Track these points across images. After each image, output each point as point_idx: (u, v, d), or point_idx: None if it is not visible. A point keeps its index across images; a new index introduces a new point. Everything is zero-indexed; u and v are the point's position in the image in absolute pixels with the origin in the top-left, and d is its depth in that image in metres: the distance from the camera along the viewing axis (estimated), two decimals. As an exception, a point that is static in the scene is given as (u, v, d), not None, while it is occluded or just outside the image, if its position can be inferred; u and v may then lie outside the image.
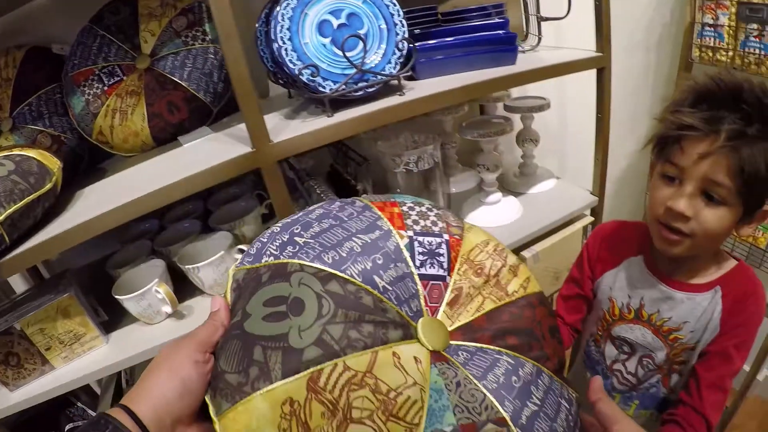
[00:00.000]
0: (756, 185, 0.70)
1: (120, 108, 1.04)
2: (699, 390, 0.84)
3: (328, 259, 0.52)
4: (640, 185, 1.97)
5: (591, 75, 1.19)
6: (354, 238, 0.55)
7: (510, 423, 0.49)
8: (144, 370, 0.48)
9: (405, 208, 0.62)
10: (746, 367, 1.79)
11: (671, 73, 1.67)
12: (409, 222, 0.60)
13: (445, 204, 1.30)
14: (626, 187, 2.11)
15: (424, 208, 0.64)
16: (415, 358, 0.49)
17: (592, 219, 1.36)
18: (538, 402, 0.53)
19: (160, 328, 1.00)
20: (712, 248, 0.84)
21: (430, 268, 0.57)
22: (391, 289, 0.53)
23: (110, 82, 1.05)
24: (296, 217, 0.60)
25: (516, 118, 1.32)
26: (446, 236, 0.60)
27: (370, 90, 0.92)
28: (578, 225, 1.33)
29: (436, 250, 0.58)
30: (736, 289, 0.83)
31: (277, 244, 0.55)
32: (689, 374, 0.87)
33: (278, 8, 0.88)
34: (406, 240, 0.57)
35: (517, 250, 1.26)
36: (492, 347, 0.55)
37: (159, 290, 0.94)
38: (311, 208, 0.61)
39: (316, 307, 0.47)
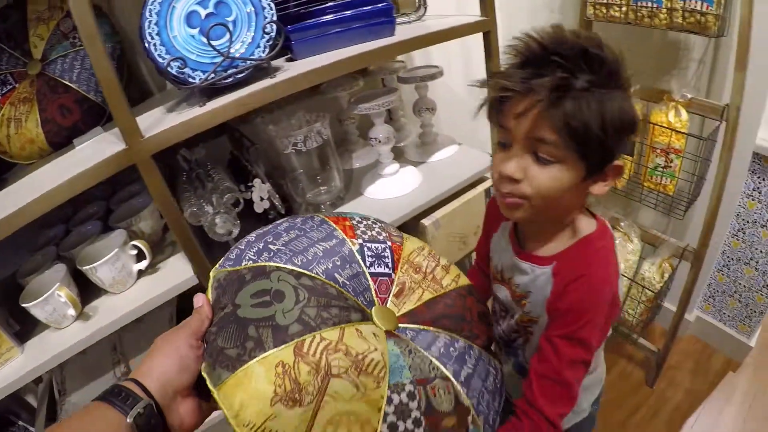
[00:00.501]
0: (589, 140, 0.67)
1: (14, 116, 1.06)
2: (531, 380, 0.80)
3: (298, 261, 0.69)
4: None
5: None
6: (316, 245, 0.73)
7: (452, 379, 0.68)
8: (145, 354, 0.63)
9: (354, 222, 0.81)
10: (672, 307, 1.90)
11: (573, 33, 1.72)
12: (358, 232, 0.79)
13: (341, 180, 1.35)
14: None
15: (370, 222, 0.84)
16: (373, 333, 0.65)
17: (493, 180, 1.41)
18: (471, 367, 0.73)
19: (70, 331, 1.03)
20: (556, 213, 0.79)
21: (378, 267, 0.76)
22: (348, 283, 0.70)
23: (3, 92, 1.06)
24: (267, 229, 0.76)
25: (411, 88, 1.37)
26: (389, 243, 0.81)
27: (240, 76, 0.95)
28: (479, 188, 1.39)
29: (382, 254, 0.78)
30: (567, 269, 0.79)
31: (254, 250, 0.71)
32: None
33: (147, 4, 0.90)
34: (357, 246, 0.76)
35: (417, 218, 1.32)
36: (431, 328, 0.75)
37: (60, 294, 0.97)
38: (279, 222, 0.79)
39: (294, 295, 0.63)
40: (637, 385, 2.02)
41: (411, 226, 1.38)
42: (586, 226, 0.82)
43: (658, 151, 1.50)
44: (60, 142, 1.08)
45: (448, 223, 1.35)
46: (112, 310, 1.04)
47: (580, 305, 0.76)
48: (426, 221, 1.31)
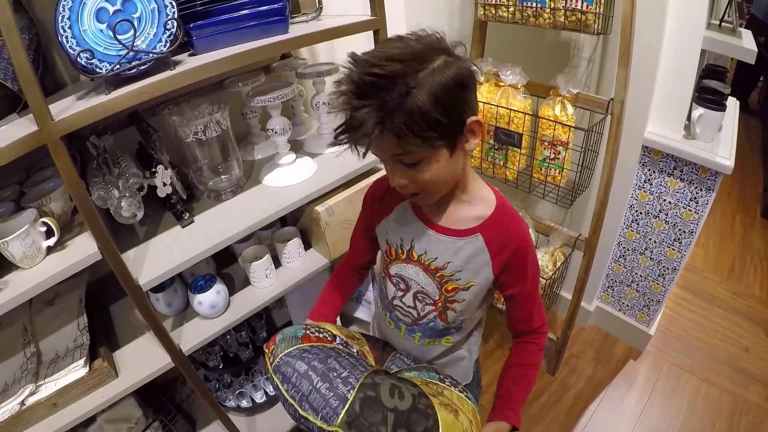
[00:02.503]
0: (432, 128, 0.85)
1: (-70, 103, 1.20)
2: (522, 318, 1.17)
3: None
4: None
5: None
6: None
7: None
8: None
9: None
10: (568, 296, 2.15)
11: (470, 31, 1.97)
12: None
13: (241, 169, 1.57)
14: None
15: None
16: None
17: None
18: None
19: None
20: (451, 185, 1.02)
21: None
22: None
23: None
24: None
25: (309, 83, 1.62)
26: None
27: (143, 68, 1.16)
28: (372, 178, 1.63)
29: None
30: (498, 235, 1.06)
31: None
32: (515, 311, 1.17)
33: (61, 0, 1.10)
34: None
35: (311, 205, 1.56)
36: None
37: None
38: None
39: None
40: (539, 374, 2.23)
41: (306, 212, 1.62)
42: (486, 193, 1.09)
43: (546, 143, 1.72)
44: None
45: (340, 210, 1.58)
46: (22, 284, 1.20)
47: (528, 256, 1.08)
48: (319, 207, 1.55)
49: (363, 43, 1.50)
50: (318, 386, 0.97)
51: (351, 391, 0.95)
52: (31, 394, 1.43)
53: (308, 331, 1.13)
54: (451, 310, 1.14)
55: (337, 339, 1.15)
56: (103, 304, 1.76)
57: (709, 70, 1.92)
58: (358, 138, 0.87)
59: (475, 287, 1.10)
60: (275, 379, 1.04)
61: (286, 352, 1.06)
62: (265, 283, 1.64)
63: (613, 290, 2.34)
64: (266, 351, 1.11)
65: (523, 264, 1.09)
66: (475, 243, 1.07)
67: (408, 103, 0.82)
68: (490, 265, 1.07)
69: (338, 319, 2.11)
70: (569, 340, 2.20)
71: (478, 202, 1.08)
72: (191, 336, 1.55)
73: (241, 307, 1.61)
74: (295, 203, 1.51)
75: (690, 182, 1.85)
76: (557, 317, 2.52)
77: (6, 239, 1.18)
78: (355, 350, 1.15)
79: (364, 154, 0.92)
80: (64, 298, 1.68)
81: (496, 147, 1.82)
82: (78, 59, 1.11)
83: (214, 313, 1.56)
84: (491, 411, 1.18)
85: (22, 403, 1.42)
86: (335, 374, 0.99)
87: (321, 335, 1.14)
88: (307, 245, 1.77)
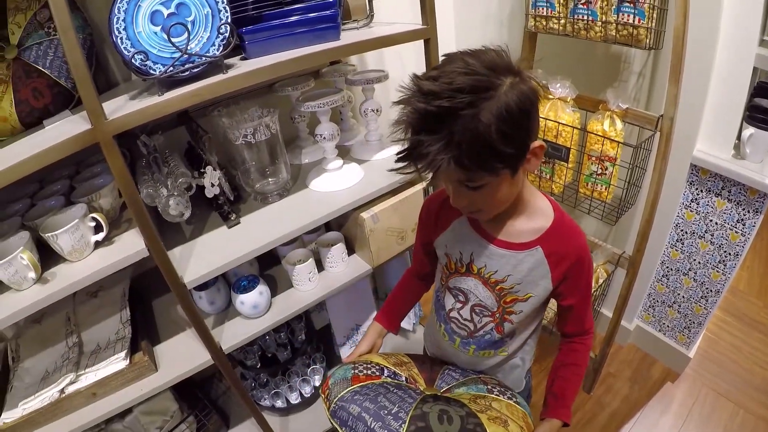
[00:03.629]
0: (497, 156, 0.83)
1: (-10, 96, 1.23)
2: (575, 319, 1.18)
3: None
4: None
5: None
6: None
7: None
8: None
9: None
10: (608, 313, 2.10)
11: (520, 43, 1.93)
12: None
13: (288, 172, 1.57)
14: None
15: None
16: None
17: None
18: None
19: (30, 293, 1.20)
20: (511, 203, 1.02)
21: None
22: None
23: (-19, 73, 1.23)
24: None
25: (358, 90, 1.60)
26: None
27: (196, 71, 1.17)
28: (418, 187, 1.61)
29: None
30: (558, 247, 1.05)
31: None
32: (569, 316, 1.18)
33: (116, 2, 1.10)
34: None
35: (357, 212, 1.55)
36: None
37: (23, 257, 1.15)
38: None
39: None
40: None
41: (351, 218, 1.60)
42: (544, 204, 1.08)
43: (593, 158, 1.67)
44: (31, 122, 1.26)
45: (386, 217, 1.57)
46: (69, 276, 1.22)
47: (585, 266, 1.09)
48: (365, 214, 1.53)
49: (413, 51, 1.48)
50: (372, 426, 1.00)
51: (402, 425, 0.98)
52: (71, 383, 1.45)
53: (356, 371, 1.15)
54: (508, 321, 1.14)
55: (385, 371, 1.17)
56: (145, 299, 1.78)
57: (761, 88, 1.83)
58: (422, 167, 0.86)
59: (533, 298, 1.10)
60: (334, 423, 1.07)
61: (339, 396, 1.08)
62: (308, 286, 1.63)
63: (654, 310, 2.27)
64: (322, 396, 1.13)
65: (580, 274, 1.10)
66: (535, 256, 1.06)
67: (475, 136, 0.80)
68: (549, 276, 1.07)
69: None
70: (607, 358, 2.14)
71: (537, 214, 1.07)
72: (231, 335, 1.55)
73: (283, 309, 1.60)
74: (340, 209, 1.50)
75: (738, 203, 1.79)
76: (596, 334, 2.41)
77: (56, 232, 1.19)
78: (403, 378, 1.16)
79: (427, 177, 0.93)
80: (108, 291, 1.69)
81: (543, 161, 1.77)
82: (132, 60, 1.12)
83: (255, 313, 1.56)
84: (543, 409, 1.23)
85: (62, 391, 1.44)
86: (386, 411, 1.02)
87: (369, 371, 1.16)
88: (351, 251, 1.75)
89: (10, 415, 1.43)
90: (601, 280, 1.89)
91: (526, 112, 0.84)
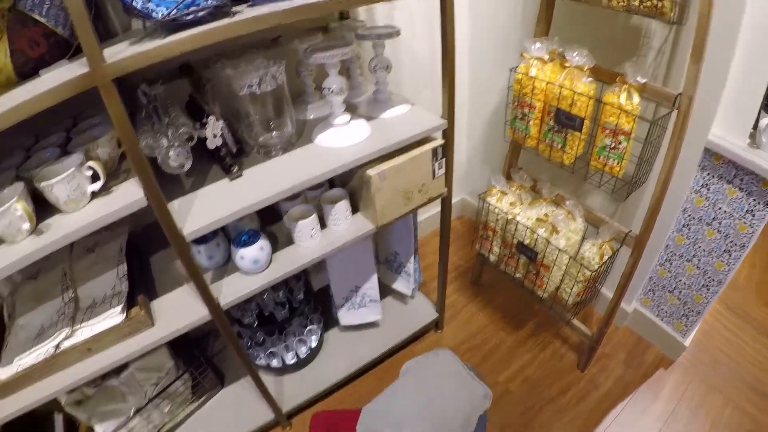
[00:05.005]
0: None
1: (-17, 47, 1.16)
2: None
3: None
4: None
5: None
6: None
7: None
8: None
9: None
10: (609, 293, 2.05)
11: (536, 8, 1.84)
12: None
13: (293, 127, 1.50)
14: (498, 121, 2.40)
15: None
16: None
17: (443, 141, 1.57)
18: None
19: (24, 245, 1.14)
20: None
21: None
22: None
23: (-28, 24, 1.16)
24: None
25: (368, 45, 1.52)
26: None
27: (201, 14, 1.08)
28: (427, 147, 1.54)
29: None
30: None
31: None
32: None
33: None
34: None
35: (364, 168, 1.48)
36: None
37: (17, 207, 1.09)
38: None
39: None
40: (569, 368, 2.18)
41: (357, 175, 1.54)
42: None
43: (607, 131, 1.59)
44: (27, 72, 1.18)
45: (393, 176, 1.51)
46: (65, 227, 1.16)
47: None
48: (371, 171, 1.47)
49: (425, 8, 1.38)
50: None
51: None
52: (67, 338, 1.41)
53: None
54: None
55: None
56: (143, 255, 1.73)
57: (783, 77, 1.76)
58: None
59: None
60: None
61: None
62: (310, 243, 1.59)
63: (654, 294, 2.21)
64: None
65: None
66: None
67: None
68: None
69: (377, 293, 2.07)
70: (603, 339, 2.09)
71: None
72: (230, 290, 1.51)
73: (283, 265, 1.56)
74: (347, 164, 1.44)
75: (749, 193, 1.71)
76: (594, 313, 2.41)
77: (51, 182, 1.13)
78: None
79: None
80: (105, 247, 1.65)
81: (555, 129, 1.71)
82: (134, 2, 1.04)
83: (255, 268, 1.51)
84: None
85: (57, 346, 1.40)
86: None
87: None
88: (354, 210, 1.70)
89: (5, 372, 1.39)
90: (606, 257, 1.83)
91: None
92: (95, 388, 1.76)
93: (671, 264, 2.07)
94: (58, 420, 2.19)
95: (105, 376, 1.79)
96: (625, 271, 1.83)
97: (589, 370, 2.17)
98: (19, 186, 1.16)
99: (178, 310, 1.50)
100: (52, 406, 2.21)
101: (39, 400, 1.38)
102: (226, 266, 1.59)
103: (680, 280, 2.07)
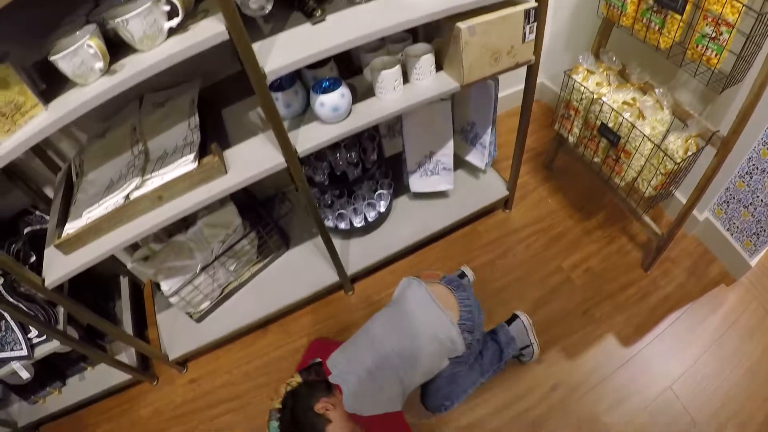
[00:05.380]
0: None
1: None
2: None
3: None
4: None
5: None
6: None
7: None
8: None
9: None
10: (682, 199, 1.96)
11: None
12: None
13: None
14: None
15: None
16: None
17: (536, 4, 1.46)
18: None
19: (95, 87, 1.12)
20: None
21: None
22: None
23: None
24: None
25: None
26: None
27: None
28: (520, 7, 1.45)
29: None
30: None
31: None
32: None
33: None
34: None
35: (454, 21, 1.40)
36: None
37: (91, 44, 1.06)
38: None
39: None
40: (632, 265, 2.15)
41: (446, 27, 1.46)
42: None
43: (710, 19, 1.45)
44: None
45: (483, 33, 1.42)
46: (140, 64, 1.13)
47: None
48: (462, 24, 1.38)
49: None
50: None
51: None
52: (137, 188, 1.42)
53: None
54: None
55: None
56: (214, 110, 1.71)
57: None
58: None
59: None
60: None
61: None
62: (391, 95, 1.53)
63: (728, 206, 2.09)
64: None
65: None
66: None
67: None
68: None
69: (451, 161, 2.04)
70: (671, 242, 2.02)
71: None
72: (307, 138, 1.49)
73: (363, 116, 1.52)
74: (435, 14, 1.34)
75: None
76: (664, 217, 2.32)
77: (125, 17, 1.08)
78: None
79: None
80: (176, 100, 1.64)
81: (654, 9, 1.57)
82: None
83: (335, 116, 1.48)
84: None
85: (127, 196, 1.42)
86: None
87: None
88: (438, 68, 1.62)
89: (74, 225, 1.43)
90: (690, 152, 1.72)
91: None
92: (163, 243, 1.80)
93: (751, 178, 1.94)
94: (124, 282, 2.29)
95: (173, 233, 1.82)
96: (706, 173, 1.73)
97: (653, 271, 2.12)
98: (91, 27, 1.13)
99: (252, 159, 1.49)
100: (118, 270, 2.29)
101: (109, 251, 1.43)
102: (303, 116, 1.56)
103: (757, 197, 1.94)
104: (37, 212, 1.84)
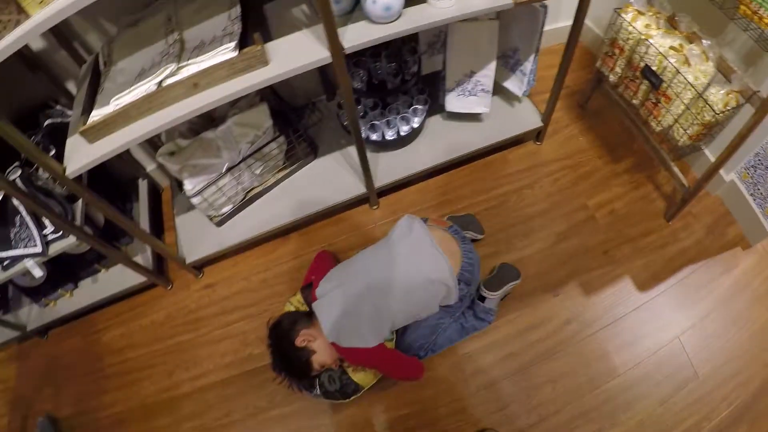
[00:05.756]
0: None
1: None
2: None
3: None
4: None
5: None
6: None
7: None
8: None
9: None
10: (711, 157, 1.94)
11: None
12: None
13: None
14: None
15: None
16: None
17: None
18: None
19: None
20: None
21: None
22: None
23: None
24: None
25: None
26: None
27: None
28: None
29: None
30: None
31: None
32: None
33: None
34: None
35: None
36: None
37: None
38: None
39: None
40: (655, 214, 2.13)
41: None
42: None
43: None
44: None
45: None
46: None
47: None
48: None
49: None
50: None
51: None
52: (172, 74, 1.37)
53: None
54: None
55: None
56: (257, 5, 1.63)
57: None
58: None
59: None
60: None
61: None
62: (444, 3, 1.47)
63: (755, 171, 2.05)
64: None
65: None
66: None
67: None
68: None
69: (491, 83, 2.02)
70: (695, 198, 2.01)
71: None
72: (354, 36, 1.44)
73: (413, 20, 1.47)
74: None
75: None
76: (690, 173, 2.28)
77: None
78: None
79: None
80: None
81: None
82: None
83: (386, 16, 1.42)
84: None
85: (160, 83, 1.37)
86: None
87: None
88: None
89: (100, 112, 1.38)
90: (729, 107, 1.68)
91: None
92: (190, 139, 1.76)
93: (784, 145, 1.90)
94: (143, 185, 2.26)
95: (199, 130, 1.79)
96: (741, 132, 1.68)
97: (674, 222, 2.11)
98: None
99: (295, 52, 1.44)
100: (137, 173, 2.27)
101: (137, 139, 1.39)
102: (351, 14, 1.51)
103: (786, 165, 1.92)
104: (58, 106, 1.80)
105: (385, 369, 1.64)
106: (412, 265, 1.57)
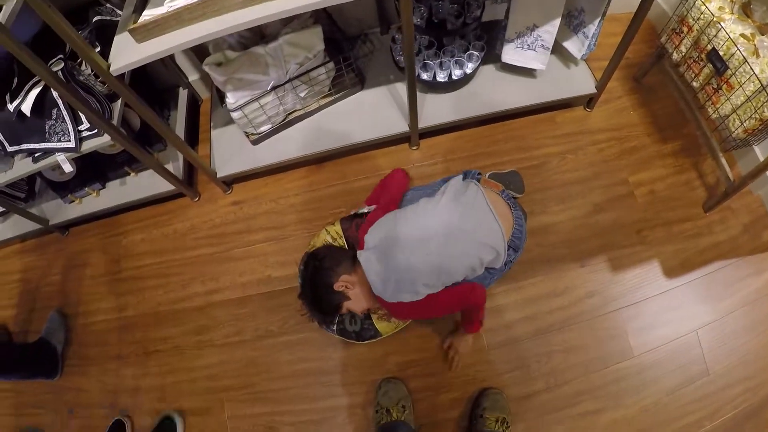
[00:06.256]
0: None
1: None
2: None
3: None
4: None
5: None
6: None
7: None
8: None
9: None
10: (760, 156, 1.90)
11: None
12: None
13: None
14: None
15: None
16: None
17: None
18: None
19: None
20: None
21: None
22: None
23: None
24: None
25: None
26: None
27: None
28: None
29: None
30: None
31: None
32: None
33: None
34: None
35: None
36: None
37: None
38: None
39: None
40: (694, 202, 2.08)
41: None
42: None
43: None
44: None
45: None
46: None
47: None
48: None
49: None
50: None
51: None
52: None
53: None
54: None
55: None
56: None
57: None
58: None
59: None
60: None
61: None
62: None
63: (803, 175, 1.98)
64: None
65: None
66: None
67: None
68: None
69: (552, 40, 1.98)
70: (737, 193, 1.95)
71: None
72: None
73: None
74: None
75: None
76: (736, 167, 2.18)
77: None
78: None
79: None
80: None
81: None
82: None
83: None
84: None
85: None
86: None
87: None
88: None
89: (152, 12, 1.34)
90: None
91: None
92: (239, 52, 1.72)
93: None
94: (183, 94, 2.23)
95: (248, 45, 1.74)
96: None
97: (712, 214, 2.06)
98: None
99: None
100: (179, 81, 2.23)
101: (186, 44, 1.35)
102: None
103: (835, 180, 1.85)
104: (109, 5, 1.75)
105: (442, 311, 1.60)
106: (468, 225, 1.49)
